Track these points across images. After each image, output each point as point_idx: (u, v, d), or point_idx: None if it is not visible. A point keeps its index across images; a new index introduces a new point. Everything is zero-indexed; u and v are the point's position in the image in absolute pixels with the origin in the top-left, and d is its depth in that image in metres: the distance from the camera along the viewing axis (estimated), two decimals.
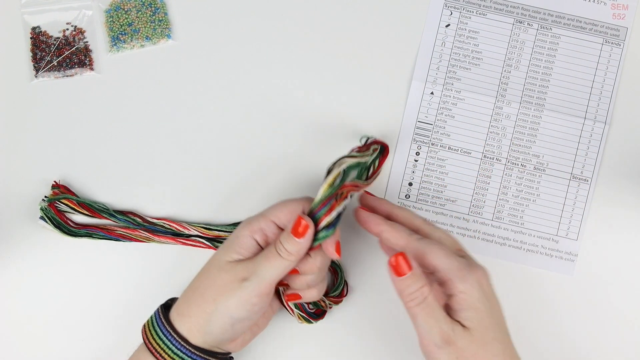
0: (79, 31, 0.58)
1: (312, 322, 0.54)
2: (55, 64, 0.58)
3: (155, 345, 0.45)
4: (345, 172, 0.44)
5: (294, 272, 0.46)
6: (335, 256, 0.45)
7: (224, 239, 0.56)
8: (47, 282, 0.56)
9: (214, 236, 0.56)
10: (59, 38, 0.58)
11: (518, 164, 0.58)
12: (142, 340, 0.47)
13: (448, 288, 0.44)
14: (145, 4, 0.58)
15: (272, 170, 0.57)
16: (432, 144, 0.58)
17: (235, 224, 0.56)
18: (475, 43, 0.58)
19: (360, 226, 0.49)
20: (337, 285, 0.55)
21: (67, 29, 0.58)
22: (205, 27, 0.58)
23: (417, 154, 0.58)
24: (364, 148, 0.52)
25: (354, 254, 0.56)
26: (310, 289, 0.48)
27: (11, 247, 0.56)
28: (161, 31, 0.58)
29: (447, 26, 0.59)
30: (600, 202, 0.57)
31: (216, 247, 0.56)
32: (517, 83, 0.58)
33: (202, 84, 0.58)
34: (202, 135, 0.58)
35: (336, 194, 0.44)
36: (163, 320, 0.45)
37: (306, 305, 0.53)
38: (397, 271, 0.43)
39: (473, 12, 0.59)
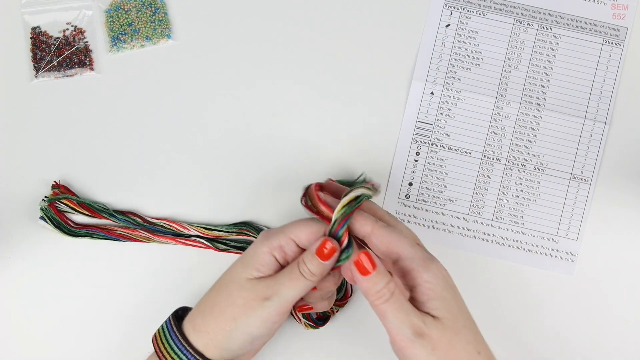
0: (79, 31, 0.58)
1: (317, 328, 0.54)
2: (55, 64, 0.58)
3: (169, 358, 0.44)
4: (358, 199, 0.44)
5: (312, 289, 0.46)
6: (356, 282, 0.44)
7: (224, 239, 0.56)
8: (47, 282, 0.56)
9: (214, 236, 0.56)
10: (59, 38, 0.58)
11: (518, 164, 0.58)
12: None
13: (411, 278, 0.43)
14: (145, 4, 0.58)
15: (272, 170, 0.57)
16: (432, 144, 0.58)
17: (235, 224, 0.56)
18: (475, 43, 0.58)
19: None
20: (340, 287, 0.55)
21: (67, 29, 0.58)
22: (205, 27, 0.58)
23: (417, 154, 0.58)
24: (373, 187, 0.50)
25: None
26: (323, 301, 0.48)
27: (11, 247, 0.56)
28: (161, 31, 0.58)
29: (447, 26, 0.59)
30: (600, 202, 0.57)
31: (216, 247, 0.56)
32: (517, 83, 0.58)
33: (202, 84, 0.58)
34: (202, 135, 0.58)
35: (351, 214, 0.43)
36: (177, 334, 0.45)
37: (312, 313, 0.53)
38: (362, 270, 0.42)
39: (473, 12, 0.59)
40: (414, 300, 0.43)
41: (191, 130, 0.58)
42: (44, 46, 0.58)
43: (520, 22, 0.58)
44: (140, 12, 0.58)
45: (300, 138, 0.58)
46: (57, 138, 0.57)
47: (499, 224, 0.57)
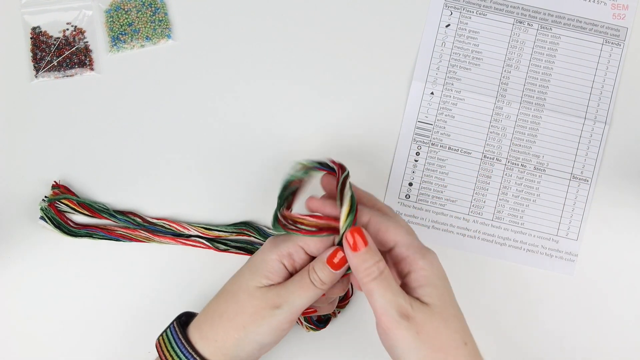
0: (79, 31, 0.58)
1: (318, 330, 0.54)
2: (55, 64, 0.58)
3: None
4: (353, 199, 0.44)
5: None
6: (347, 259, 0.44)
7: (224, 239, 0.56)
8: (47, 282, 0.56)
9: (214, 236, 0.56)
10: (59, 38, 0.58)
11: (518, 164, 0.58)
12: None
13: (406, 265, 0.43)
14: (146, 4, 0.58)
15: (272, 170, 0.57)
16: (432, 144, 0.58)
17: (236, 224, 0.56)
18: (475, 43, 0.58)
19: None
20: None
21: (67, 29, 0.58)
22: (205, 27, 0.58)
23: (417, 154, 0.58)
24: (342, 168, 0.49)
25: None
26: (328, 305, 0.49)
27: (11, 247, 0.56)
28: (161, 31, 0.58)
29: (447, 26, 0.59)
30: (600, 202, 0.57)
31: (216, 248, 0.56)
32: (517, 83, 0.58)
33: (202, 84, 0.58)
34: (202, 135, 0.58)
35: (355, 219, 0.43)
36: (183, 341, 0.45)
37: (313, 315, 0.53)
38: (352, 246, 0.42)
39: (473, 12, 0.59)
40: (405, 286, 0.43)
41: (191, 130, 0.58)
42: (44, 46, 0.58)
43: (521, 22, 0.58)
44: (140, 12, 0.58)
45: (300, 138, 0.58)
46: (57, 138, 0.57)
47: (499, 224, 0.57)
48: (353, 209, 0.43)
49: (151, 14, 0.58)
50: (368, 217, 0.45)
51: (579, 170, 0.58)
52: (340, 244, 0.43)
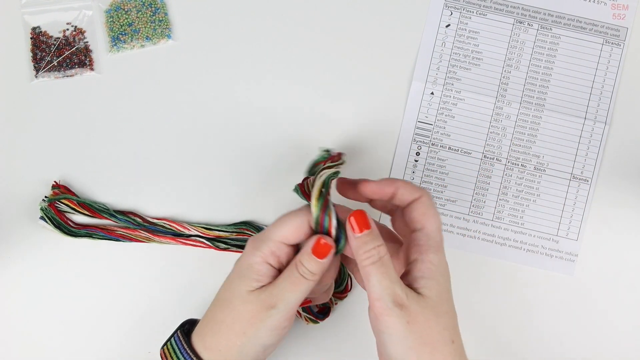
0: (79, 31, 0.58)
1: (318, 322, 0.54)
2: (56, 64, 0.58)
3: None
4: (326, 182, 0.44)
5: None
6: (348, 241, 0.44)
7: (224, 239, 0.56)
8: (47, 282, 0.56)
9: (214, 236, 0.56)
10: (59, 38, 0.58)
11: (518, 164, 0.58)
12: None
13: (418, 252, 0.43)
14: (146, 4, 0.58)
15: (272, 170, 0.57)
16: (432, 144, 0.58)
17: (235, 224, 0.56)
18: (475, 43, 0.58)
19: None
20: (341, 280, 0.55)
21: (67, 29, 0.58)
22: (205, 27, 0.58)
23: (417, 154, 0.58)
24: (336, 158, 0.51)
25: None
26: (323, 294, 0.48)
27: (11, 247, 0.56)
28: (161, 31, 0.58)
29: (447, 26, 0.59)
30: (600, 202, 0.57)
31: (217, 247, 0.56)
32: (517, 83, 0.58)
33: (202, 84, 0.58)
34: (202, 135, 0.58)
35: (327, 200, 0.43)
36: (189, 352, 0.44)
37: (312, 306, 0.53)
38: (354, 227, 0.42)
39: (473, 12, 0.59)
40: (408, 273, 0.43)
41: (191, 130, 0.58)
42: (44, 46, 0.58)
43: (521, 22, 0.58)
44: (140, 12, 0.58)
45: (301, 138, 0.58)
46: (57, 138, 0.57)
47: (499, 224, 0.57)
48: (323, 194, 0.43)
49: (151, 14, 0.58)
50: (419, 194, 0.45)
51: (579, 170, 0.58)
52: (316, 231, 0.43)
